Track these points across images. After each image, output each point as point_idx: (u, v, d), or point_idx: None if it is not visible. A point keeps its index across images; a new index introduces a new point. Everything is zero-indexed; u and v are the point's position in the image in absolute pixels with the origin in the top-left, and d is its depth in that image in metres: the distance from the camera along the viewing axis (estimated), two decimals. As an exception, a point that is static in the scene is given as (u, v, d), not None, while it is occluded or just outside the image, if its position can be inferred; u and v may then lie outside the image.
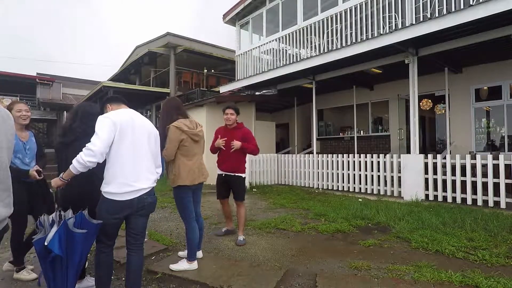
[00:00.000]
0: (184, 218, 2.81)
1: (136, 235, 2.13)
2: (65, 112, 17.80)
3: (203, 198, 6.67)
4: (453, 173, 5.44)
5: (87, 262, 2.59)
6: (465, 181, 5.29)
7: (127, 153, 2.01)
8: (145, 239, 3.34)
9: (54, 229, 1.87)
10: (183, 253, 3.01)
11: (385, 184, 6.48)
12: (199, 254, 2.98)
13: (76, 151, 1.93)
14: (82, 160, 1.85)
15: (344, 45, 7.06)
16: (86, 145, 1.88)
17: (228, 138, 3.56)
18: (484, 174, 5.10)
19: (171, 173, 2.76)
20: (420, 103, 8.56)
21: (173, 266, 2.76)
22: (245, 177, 3.69)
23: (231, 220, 3.88)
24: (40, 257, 1.86)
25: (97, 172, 2.05)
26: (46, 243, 1.81)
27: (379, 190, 6.57)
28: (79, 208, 2.24)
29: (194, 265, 2.77)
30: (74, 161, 1.88)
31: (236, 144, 3.46)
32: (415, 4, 6.12)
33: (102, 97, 12.05)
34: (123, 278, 2.59)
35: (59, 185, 2.02)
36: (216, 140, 3.61)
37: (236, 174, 3.57)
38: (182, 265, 2.75)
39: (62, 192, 2.18)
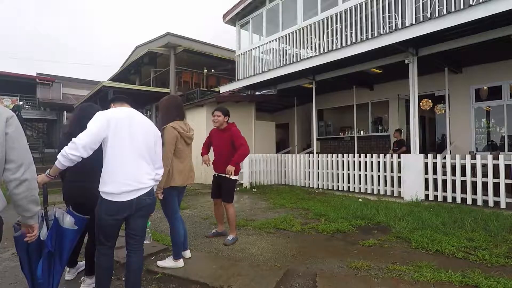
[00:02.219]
0: (170, 218, 2.84)
1: (136, 236, 2.10)
2: (65, 112, 17.80)
3: (203, 198, 6.69)
4: (453, 173, 5.44)
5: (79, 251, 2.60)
6: (465, 181, 5.30)
7: (124, 152, 1.97)
8: (148, 241, 3.37)
9: (44, 225, 1.92)
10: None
11: (385, 184, 6.48)
12: (187, 253, 3.01)
13: None
14: (65, 153, 1.81)
15: (344, 45, 7.06)
16: (73, 138, 1.86)
17: (219, 140, 3.65)
18: (484, 174, 5.10)
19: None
20: (420, 103, 8.56)
21: (160, 263, 2.85)
22: (235, 180, 3.60)
23: (222, 222, 3.86)
24: (32, 253, 1.87)
25: (98, 170, 2.04)
26: (42, 238, 1.84)
27: (379, 190, 6.57)
28: (79, 205, 2.25)
29: (180, 263, 2.81)
30: (59, 155, 1.84)
31: (230, 169, 3.40)
32: (415, 4, 6.12)
33: (102, 97, 12.07)
34: (123, 278, 2.59)
35: (45, 181, 1.98)
36: (203, 157, 3.74)
37: (227, 176, 3.49)
38: (168, 263, 2.83)
39: (63, 189, 2.19)
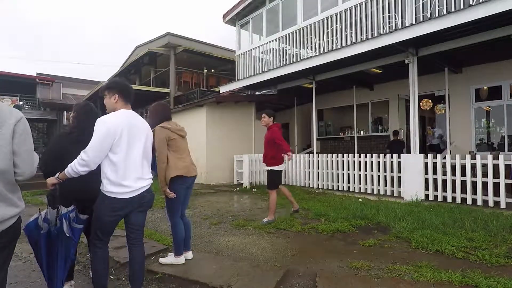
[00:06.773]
0: (170, 213, 2.86)
1: (137, 230, 2.21)
2: (65, 112, 17.79)
3: (203, 198, 6.68)
4: (453, 173, 5.44)
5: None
6: (465, 181, 5.29)
7: (126, 154, 2.04)
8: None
9: (64, 222, 1.99)
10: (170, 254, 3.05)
11: (385, 184, 6.48)
12: (189, 255, 3.01)
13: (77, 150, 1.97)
14: (76, 169, 1.93)
15: (344, 45, 7.06)
16: (81, 153, 1.94)
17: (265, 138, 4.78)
18: (484, 174, 5.10)
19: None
20: (420, 103, 8.57)
21: (162, 260, 2.91)
22: (272, 170, 4.63)
23: (292, 201, 5.08)
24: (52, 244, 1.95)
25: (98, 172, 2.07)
26: (68, 235, 1.95)
27: (379, 190, 6.57)
28: (78, 204, 2.26)
29: (181, 259, 2.86)
30: (68, 167, 1.95)
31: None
32: (415, 4, 6.12)
33: (102, 97, 12.06)
34: (124, 278, 2.60)
35: (54, 183, 2.05)
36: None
37: (267, 168, 4.69)
38: (169, 259, 2.88)
39: (63, 188, 2.20)
